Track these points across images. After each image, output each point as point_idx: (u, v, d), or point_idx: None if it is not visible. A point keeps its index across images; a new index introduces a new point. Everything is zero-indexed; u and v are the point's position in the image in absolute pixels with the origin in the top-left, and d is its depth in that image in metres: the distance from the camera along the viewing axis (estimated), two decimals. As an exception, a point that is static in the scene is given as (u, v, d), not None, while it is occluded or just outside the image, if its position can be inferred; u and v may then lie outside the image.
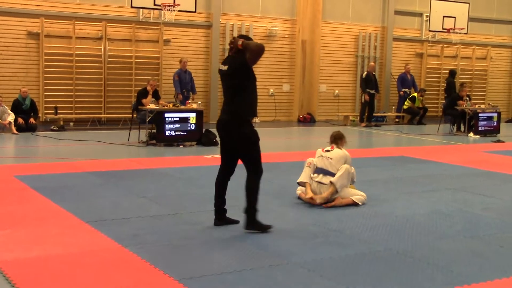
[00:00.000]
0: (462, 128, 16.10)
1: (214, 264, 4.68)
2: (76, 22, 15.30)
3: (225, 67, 5.73)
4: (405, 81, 19.31)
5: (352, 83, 19.58)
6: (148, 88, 12.58)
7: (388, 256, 5.02)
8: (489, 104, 17.53)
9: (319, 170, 6.96)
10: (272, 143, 13.66)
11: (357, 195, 6.93)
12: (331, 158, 6.96)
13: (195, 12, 16.13)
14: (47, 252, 4.86)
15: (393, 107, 19.75)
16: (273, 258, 4.84)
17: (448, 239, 5.58)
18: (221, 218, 5.85)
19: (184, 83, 15.19)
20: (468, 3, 20.24)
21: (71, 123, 15.32)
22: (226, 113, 5.77)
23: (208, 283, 4.27)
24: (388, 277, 4.51)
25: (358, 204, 6.83)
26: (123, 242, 5.11)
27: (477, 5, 21.16)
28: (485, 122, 15.73)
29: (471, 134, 15.39)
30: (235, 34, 17.27)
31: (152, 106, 12.07)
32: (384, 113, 19.45)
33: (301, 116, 18.38)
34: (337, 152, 7.01)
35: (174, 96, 15.19)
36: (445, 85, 19.23)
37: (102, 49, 15.66)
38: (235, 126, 5.77)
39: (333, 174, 6.83)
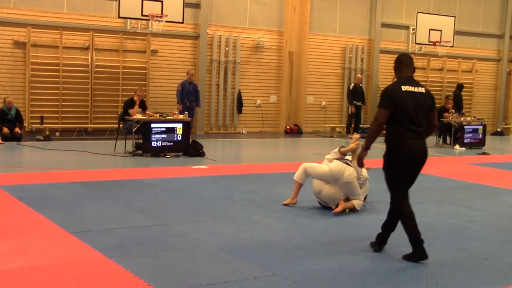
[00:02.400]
0: (448, 141, 16.20)
1: (199, 276, 4.65)
2: (63, 31, 15.26)
3: (423, 90, 5.41)
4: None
5: (339, 95, 19.68)
6: (135, 98, 12.55)
7: (373, 268, 5.02)
8: (474, 116, 17.68)
9: None
10: (259, 155, 13.67)
11: (359, 198, 7.20)
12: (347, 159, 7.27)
13: (182, 23, 16.14)
14: (30, 263, 4.81)
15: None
16: (258, 270, 4.82)
17: (433, 251, 5.56)
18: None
19: (187, 94, 15.19)
20: (454, 16, 20.47)
21: (57, 133, 15.23)
22: (423, 138, 5.39)
23: (193, 294, 4.24)
24: None
25: (357, 210, 7.07)
26: (108, 253, 5.07)
27: (463, 19, 21.39)
28: (470, 135, 15.85)
29: (457, 147, 15.51)
30: (223, 45, 17.36)
31: (139, 116, 12.04)
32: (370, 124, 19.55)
33: (288, 127, 18.42)
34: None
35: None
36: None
37: (89, 59, 15.62)
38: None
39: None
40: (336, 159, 7.17)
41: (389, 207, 5.50)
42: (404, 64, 5.47)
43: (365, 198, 7.49)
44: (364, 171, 7.28)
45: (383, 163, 5.42)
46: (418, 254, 5.24)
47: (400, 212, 5.36)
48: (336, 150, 7.25)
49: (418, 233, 5.27)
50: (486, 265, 5.26)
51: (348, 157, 7.33)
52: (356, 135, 7.48)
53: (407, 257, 5.29)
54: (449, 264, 5.28)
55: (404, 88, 5.31)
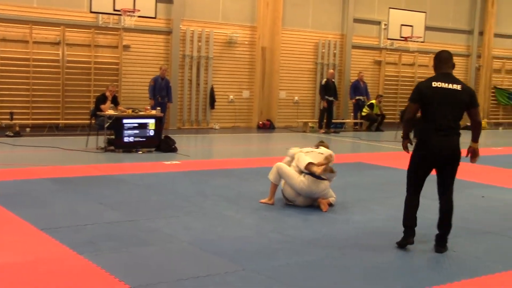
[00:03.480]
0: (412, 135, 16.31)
1: (170, 271, 4.65)
2: (33, 26, 15.02)
3: (458, 87, 5.42)
4: (358, 88, 19.58)
5: (312, 90, 19.76)
6: (107, 94, 12.45)
7: (345, 262, 5.08)
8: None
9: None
10: (231, 150, 13.69)
11: (333, 196, 7.28)
12: (322, 153, 7.22)
13: (155, 18, 16.03)
14: (0, 260, 4.76)
15: (352, 114, 20.01)
16: (230, 265, 4.84)
17: None
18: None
19: (159, 90, 15.10)
20: (425, 12, 20.68)
21: (28, 129, 15.00)
22: (455, 134, 5.42)
23: (164, 290, 4.24)
24: (346, 283, 4.56)
25: (332, 205, 7.15)
26: (79, 249, 5.03)
27: (433, 14, 21.62)
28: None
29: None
30: (195, 41, 17.31)
31: (111, 112, 11.96)
32: (343, 119, 19.68)
33: (260, 122, 18.45)
34: (325, 150, 7.36)
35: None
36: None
37: (60, 54, 15.42)
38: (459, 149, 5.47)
39: None
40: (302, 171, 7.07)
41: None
42: (442, 61, 5.52)
43: None
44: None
45: (411, 156, 5.54)
46: (402, 238, 5.51)
47: (406, 199, 5.58)
48: (303, 163, 7.04)
49: (409, 220, 5.52)
50: (456, 257, 5.34)
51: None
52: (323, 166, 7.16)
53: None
54: (420, 257, 5.35)
55: (435, 84, 5.38)
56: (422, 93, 5.38)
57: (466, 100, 5.41)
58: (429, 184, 5.64)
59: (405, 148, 5.70)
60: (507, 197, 8.23)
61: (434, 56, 5.70)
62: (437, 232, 5.57)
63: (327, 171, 6.97)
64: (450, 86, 5.39)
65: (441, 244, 5.48)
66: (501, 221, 6.84)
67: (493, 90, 23.73)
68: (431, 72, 19.74)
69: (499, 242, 5.94)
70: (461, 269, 5.04)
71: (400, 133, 16.63)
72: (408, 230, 5.50)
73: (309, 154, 7.21)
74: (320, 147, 7.51)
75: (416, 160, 5.49)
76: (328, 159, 7.09)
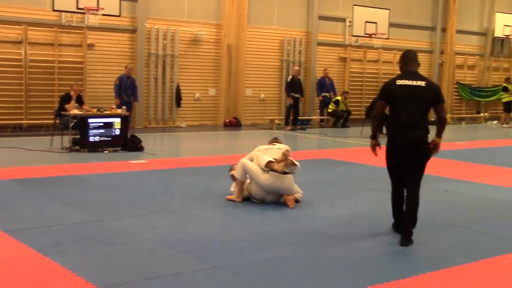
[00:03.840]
0: (384, 131, 16.46)
1: (138, 270, 4.62)
2: (-6, 25, 14.76)
3: (422, 83, 5.61)
4: (324, 85, 19.68)
5: (278, 87, 19.81)
6: (72, 93, 12.27)
7: (312, 258, 5.10)
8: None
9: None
10: (198, 148, 13.64)
11: (299, 192, 7.25)
12: (280, 148, 7.24)
13: (119, 16, 15.86)
14: (-38, 264, 4.68)
15: (318, 111, 20.12)
16: (197, 263, 4.83)
17: (369, 239, 5.74)
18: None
19: (125, 88, 14.93)
20: (389, 9, 20.91)
21: (-10, 129, 14.76)
22: (419, 129, 5.56)
23: (131, 289, 4.22)
24: (312, 279, 4.58)
25: (299, 201, 7.13)
26: (44, 251, 4.97)
27: (397, 11, 21.87)
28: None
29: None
30: (161, 39, 17.19)
31: (76, 111, 11.80)
32: (309, 116, 19.79)
33: (227, 120, 18.42)
34: (282, 146, 7.40)
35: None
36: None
37: (23, 53, 15.13)
38: (425, 143, 5.62)
39: None
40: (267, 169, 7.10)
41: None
42: (407, 60, 5.75)
43: None
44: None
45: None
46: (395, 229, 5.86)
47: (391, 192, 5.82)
48: (263, 162, 7.06)
49: (395, 213, 5.84)
50: (419, 250, 5.42)
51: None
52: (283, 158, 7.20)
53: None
54: (384, 251, 5.42)
55: (399, 82, 5.61)
56: (388, 91, 5.61)
57: (431, 96, 5.58)
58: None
59: (374, 149, 5.87)
60: (470, 191, 8.37)
61: (400, 56, 5.90)
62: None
63: (288, 165, 7.01)
64: (415, 83, 5.57)
65: (405, 237, 5.57)
66: (464, 215, 6.95)
67: (456, 86, 24.18)
68: (395, 68, 20.02)
69: (462, 235, 6.03)
70: (426, 262, 5.11)
71: (366, 129, 16.93)
72: (396, 223, 5.84)
73: (267, 151, 7.23)
74: (275, 143, 7.54)
75: (387, 156, 5.73)
76: (285, 154, 7.06)
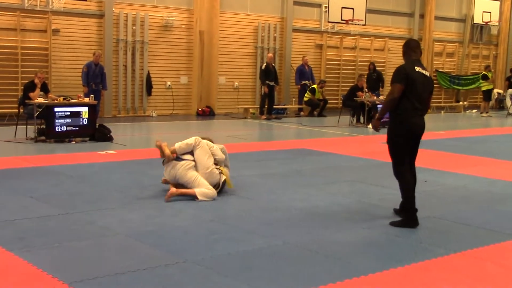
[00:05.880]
0: (361, 120, 16.47)
1: (107, 265, 4.49)
2: (-47, 9, 14.25)
3: (428, 74, 6.00)
4: (303, 73, 19.54)
5: (252, 75, 19.60)
6: (36, 81, 11.95)
7: (286, 250, 5.01)
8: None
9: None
10: (170, 138, 13.35)
11: (203, 188, 6.73)
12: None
13: (86, 0, 15.47)
14: None
15: (294, 99, 19.96)
16: (169, 257, 4.72)
17: (346, 230, 5.65)
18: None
19: (93, 76, 14.59)
20: (366, -5, 20.78)
21: (-50, 119, 14.30)
22: (423, 115, 6.01)
23: (101, 285, 4.11)
24: (286, 271, 4.50)
25: (197, 198, 6.65)
26: (7, 246, 4.83)
27: (374, -3, 21.78)
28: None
29: (370, 126, 15.71)
30: (129, 24, 16.82)
31: (41, 100, 11.51)
32: (284, 105, 19.60)
33: (200, 109, 18.15)
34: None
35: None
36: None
37: (-16, 39, 14.69)
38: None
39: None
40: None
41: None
42: (412, 49, 6.00)
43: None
44: (218, 150, 7.08)
45: (389, 135, 5.95)
46: (409, 221, 5.81)
47: (400, 180, 5.95)
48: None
49: (412, 202, 5.87)
50: (398, 242, 5.36)
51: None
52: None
53: (394, 223, 5.82)
54: (361, 242, 5.34)
55: (417, 68, 5.87)
56: (409, 76, 5.78)
57: (431, 86, 6.06)
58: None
59: (377, 128, 6.13)
60: (448, 181, 8.33)
61: (406, 43, 6.13)
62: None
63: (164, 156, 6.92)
64: (425, 72, 5.96)
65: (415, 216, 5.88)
66: (443, 205, 6.90)
67: (434, 74, 24.17)
68: (373, 56, 19.95)
69: (441, 227, 5.97)
70: (404, 254, 5.04)
71: (343, 118, 16.90)
72: (411, 214, 5.84)
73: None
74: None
75: (401, 137, 5.89)
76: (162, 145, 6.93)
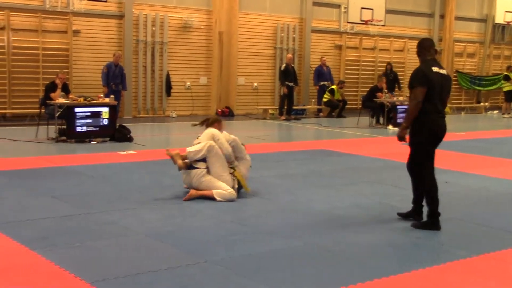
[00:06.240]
0: (381, 121, 16.37)
1: (128, 265, 4.50)
2: (-25, 10, 14.42)
3: (445, 73, 5.90)
4: (322, 74, 19.45)
5: (271, 76, 19.56)
6: (57, 81, 12.04)
7: (306, 252, 4.98)
8: (407, 96, 17.93)
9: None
10: (189, 138, 13.36)
11: (221, 189, 6.69)
12: (198, 137, 7.02)
13: (106, 1, 15.60)
14: None
15: (313, 100, 19.89)
16: (189, 257, 4.71)
17: (366, 232, 5.61)
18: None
19: (113, 77, 14.68)
20: (386, -5, 20.66)
21: (-27, 119, 14.48)
22: (444, 117, 5.91)
23: (122, 284, 4.11)
24: (306, 273, 4.47)
25: (215, 199, 6.61)
26: (31, 245, 4.85)
27: (394, -3, 21.64)
28: (403, 114, 15.97)
29: (390, 127, 15.60)
30: (149, 25, 16.90)
31: (62, 100, 11.56)
32: (303, 106, 19.54)
33: (219, 109, 18.17)
34: (205, 131, 7.07)
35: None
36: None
37: (5, 40, 14.83)
38: None
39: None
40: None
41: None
42: (426, 48, 5.90)
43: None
44: (225, 143, 6.93)
45: (414, 138, 5.80)
46: (433, 224, 5.72)
47: (429, 183, 5.80)
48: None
49: (437, 204, 5.75)
50: (419, 244, 5.31)
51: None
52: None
53: (416, 225, 5.76)
54: (382, 244, 5.30)
55: (434, 69, 5.76)
56: (429, 78, 5.67)
57: (450, 85, 5.97)
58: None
59: (404, 138, 5.88)
60: (469, 183, 8.25)
61: (420, 42, 6.03)
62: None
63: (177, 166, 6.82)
64: (443, 71, 5.83)
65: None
66: (464, 207, 6.84)
67: (455, 74, 23.93)
68: (392, 56, 19.76)
69: (462, 228, 5.91)
70: (426, 255, 4.99)
71: (362, 119, 16.80)
72: (435, 218, 5.75)
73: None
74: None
75: (427, 138, 5.76)
76: (173, 154, 6.81)
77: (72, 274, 4.23)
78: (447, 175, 8.55)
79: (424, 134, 5.73)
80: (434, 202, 5.75)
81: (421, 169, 5.83)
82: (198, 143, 6.89)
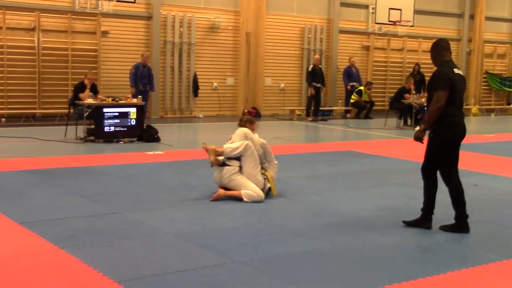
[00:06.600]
0: (409, 122, 16.22)
1: (156, 265, 4.52)
2: (6, 11, 14.62)
3: (462, 73, 5.84)
4: (351, 74, 19.35)
5: (298, 77, 19.52)
6: (86, 82, 12.15)
7: (334, 253, 4.96)
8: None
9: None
10: (216, 139, 13.43)
11: (250, 190, 6.66)
12: (230, 138, 6.99)
13: (134, 2, 15.74)
14: (-23, 257, 4.59)
15: (340, 101, 19.79)
16: (217, 257, 4.72)
17: (393, 234, 5.56)
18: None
19: (141, 77, 14.79)
20: (414, -5, 20.46)
21: (3, 119, 14.69)
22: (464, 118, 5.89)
23: (149, 284, 4.12)
24: (334, 274, 4.45)
25: (243, 199, 6.60)
26: (60, 244, 4.89)
27: (422, -2, 21.42)
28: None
29: (418, 128, 15.40)
30: (177, 26, 16.99)
31: (90, 100, 11.68)
32: (330, 107, 19.46)
33: (246, 110, 18.17)
34: (237, 131, 7.02)
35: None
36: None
37: (36, 41, 15.04)
38: None
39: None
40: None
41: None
42: (445, 49, 5.82)
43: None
44: (257, 146, 6.91)
45: (435, 140, 5.69)
46: (462, 227, 5.66)
47: (455, 185, 5.72)
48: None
49: (465, 207, 5.68)
50: (447, 246, 5.25)
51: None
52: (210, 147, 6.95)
53: (444, 228, 5.69)
54: (410, 246, 5.26)
55: (456, 71, 5.69)
56: (452, 80, 5.59)
57: (465, 85, 5.87)
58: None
59: (421, 140, 5.77)
60: (499, 185, 8.13)
61: (436, 44, 5.92)
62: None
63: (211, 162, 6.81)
64: (460, 72, 5.76)
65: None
66: (493, 210, 6.75)
67: (484, 76, 23.59)
68: (420, 57, 19.53)
69: (492, 232, 5.83)
70: (454, 259, 4.93)
71: (390, 120, 16.65)
72: (465, 220, 5.70)
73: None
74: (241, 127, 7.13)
75: (451, 142, 5.69)
76: (209, 149, 6.80)
77: (100, 273, 4.26)
78: (476, 177, 8.45)
79: (450, 137, 5.65)
80: (461, 205, 5.67)
81: (436, 172, 5.74)
82: (232, 142, 6.89)
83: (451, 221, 5.75)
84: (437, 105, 5.55)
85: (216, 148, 6.86)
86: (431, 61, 6.08)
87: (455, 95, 5.59)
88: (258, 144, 6.95)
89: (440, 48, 5.79)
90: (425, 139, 5.76)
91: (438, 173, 5.76)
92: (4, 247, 4.82)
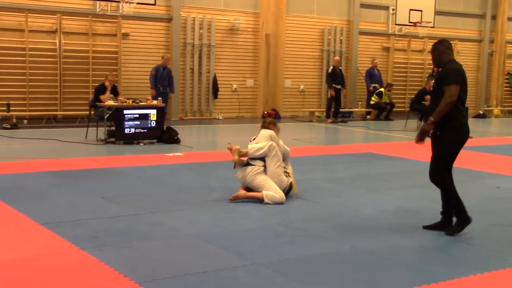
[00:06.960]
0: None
1: (176, 266, 4.52)
2: (28, 14, 14.79)
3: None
4: (373, 76, 19.27)
5: (318, 78, 19.47)
6: (106, 83, 12.25)
7: (354, 255, 4.93)
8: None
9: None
10: (236, 140, 13.43)
11: (273, 191, 6.66)
12: (255, 138, 6.99)
13: (154, 4, 15.81)
14: (0, 256, 4.62)
15: (360, 103, 19.70)
16: (237, 259, 4.71)
17: (415, 236, 5.52)
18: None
19: (161, 79, 14.87)
20: (435, -4, 20.29)
21: (25, 121, 14.83)
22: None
23: (170, 285, 4.13)
24: (354, 277, 4.42)
25: (263, 200, 6.59)
26: (81, 245, 4.93)
27: (444, -2, 21.24)
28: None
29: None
30: (197, 28, 17.05)
31: (111, 102, 11.77)
32: (350, 108, 19.38)
33: (265, 112, 18.15)
34: (262, 133, 7.02)
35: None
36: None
37: (57, 43, 15.20)
38: None
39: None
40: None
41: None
42: (450, 47, 5.77)
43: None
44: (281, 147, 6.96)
45: (443, 141, 5.55)
46: (464, 220, 5.57)
47: (448, 186, 5.66)
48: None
49: (461, 201, 5.62)
50: (469, 249, 5.20)
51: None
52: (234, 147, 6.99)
53: (450, 232, 5.56)
54: (431, 249, 5.22)
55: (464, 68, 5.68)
56: (464, 76, 5.57)
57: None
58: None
59: (428, 134, 5.58)
60: (521, 187, 8.01)
61: (437, 44, 5.79)
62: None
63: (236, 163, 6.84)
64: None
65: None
66: (516, 212, 6.63)
67: (506, 77, 23.30)
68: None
69: (515, 234, 5.75)
70: (478, 262, 4.87)
71: (410, 122, 16.51)
72: (464, 213, 5.62)
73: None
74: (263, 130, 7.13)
75: (456, 143, 5.58)
76: (229, 148, 6.87)
77: (121, 274, 4.27)
78: (498, 180, 8.36)
79: (458, 136, 5.55)
80: (460, 202, 5.61)
81: (443, 175, 5.66)
82: (256, 143, 6.91)
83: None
84: (449, 100, 5.42)
85: (241, 148, 6.86)
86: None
87: (464, 93, 5.56)
88: (282, 146, 7.00)
89: (445, 48, 5.69)
90: (427, 141, 5.64)
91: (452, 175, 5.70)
92: (27, 248, 4.85)
